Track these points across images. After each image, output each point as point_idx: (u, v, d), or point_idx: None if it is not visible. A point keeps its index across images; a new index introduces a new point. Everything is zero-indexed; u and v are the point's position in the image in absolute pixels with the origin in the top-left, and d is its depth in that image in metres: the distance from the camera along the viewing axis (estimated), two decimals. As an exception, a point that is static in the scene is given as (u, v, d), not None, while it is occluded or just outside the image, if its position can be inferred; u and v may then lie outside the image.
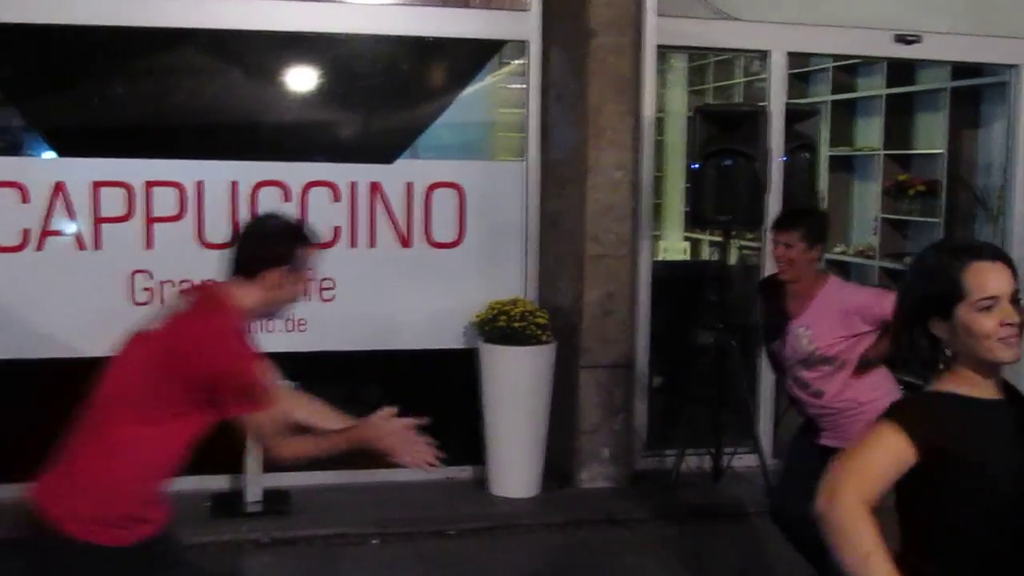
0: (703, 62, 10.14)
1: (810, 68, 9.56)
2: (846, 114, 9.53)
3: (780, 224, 4.38)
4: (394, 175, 6.15)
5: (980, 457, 2.21)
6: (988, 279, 2.22)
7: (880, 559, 2.13)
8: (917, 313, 2.30)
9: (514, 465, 6.08)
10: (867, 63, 8.91)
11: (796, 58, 7.30)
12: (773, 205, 6.15)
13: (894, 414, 2.26)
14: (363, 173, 6.11)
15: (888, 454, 2.20)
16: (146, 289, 5.87)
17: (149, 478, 2.96)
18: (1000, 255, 2.28)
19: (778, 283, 4.38)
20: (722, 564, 5.44)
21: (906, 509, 2.31)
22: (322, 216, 5.98)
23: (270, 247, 3.05)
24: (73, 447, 2.95)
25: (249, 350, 2.94)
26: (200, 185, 5.90)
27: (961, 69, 7.93)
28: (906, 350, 2.33)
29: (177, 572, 3.17)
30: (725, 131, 6.00)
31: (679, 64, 10.08)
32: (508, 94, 6.61)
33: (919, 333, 2.29)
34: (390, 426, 3.00)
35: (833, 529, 2.16)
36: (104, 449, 2.90)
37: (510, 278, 6.35)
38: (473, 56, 6.40)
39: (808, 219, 4.38)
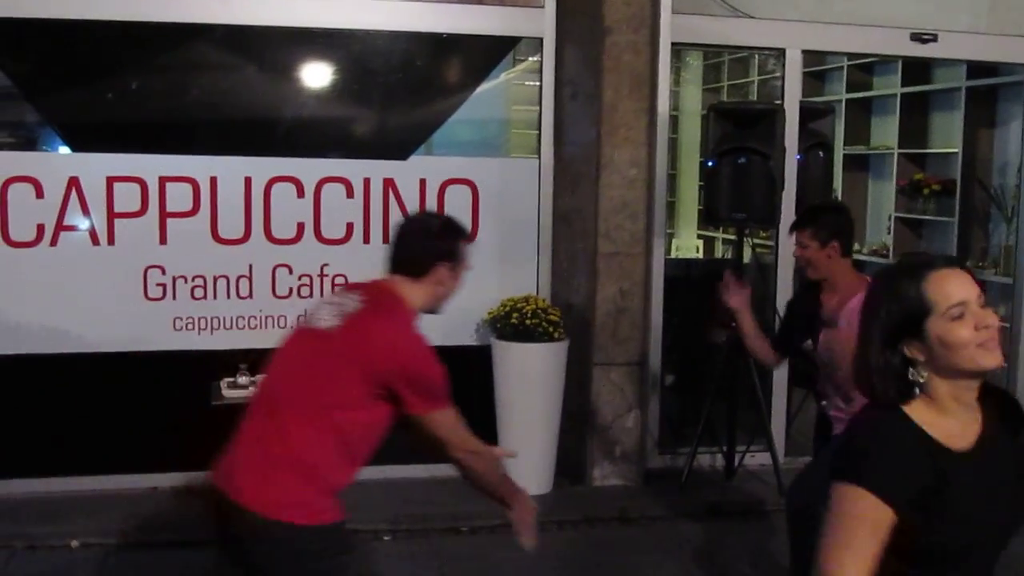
0: (718, 60, 10.15)
1: (825, 66, 9.55)
2: (861, 113, 9.51)
3: (794, 224, 4.37)
4: (408, 171, 6.15)
5: (940, 520, 2.06)
6: (950, 286, 2.09)
7: None
8: (888, 339, 2.13)
9: (527, 462, 6.05)
10: (883, 62, 8.89)
11: (811, 56, 7.30)
12: (788, 204, 6.13)
13: (861, 478, 2.05)
14: (377, 169, 6.11)
15: (875, 531, 2.04)
16: (159, 284, 5.89)
17: (337, 468, 3.04)
18: (955, 263, 2.16)
19: (814, 284, 4.35)
20: (735, 562, 5.43)
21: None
22: (335, 212, 5.99)
23: (436, 244, 3.12)
24: (259, 440, 2.99)
25: (429, 349, 3.00)
26: (214, 181, 5.91)
27: (977, 68, 7.91)
28: (878, 375, 2.14)
29: (354, 556, 3.26)
30: (740, 129, 5.98)
31: (694, 62, 10.09)
32: (522, 91, 6.60)
33: (892, 355, 2.13)
34: (532, 505, 3.18)
35: None
36: (295, 442, 2.94)
37: (523, 275, 6.35)
38: (488, 53, 6.39)
39: (819, 216, 4.35)
